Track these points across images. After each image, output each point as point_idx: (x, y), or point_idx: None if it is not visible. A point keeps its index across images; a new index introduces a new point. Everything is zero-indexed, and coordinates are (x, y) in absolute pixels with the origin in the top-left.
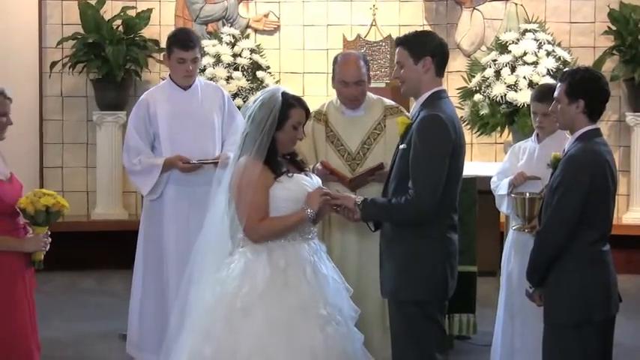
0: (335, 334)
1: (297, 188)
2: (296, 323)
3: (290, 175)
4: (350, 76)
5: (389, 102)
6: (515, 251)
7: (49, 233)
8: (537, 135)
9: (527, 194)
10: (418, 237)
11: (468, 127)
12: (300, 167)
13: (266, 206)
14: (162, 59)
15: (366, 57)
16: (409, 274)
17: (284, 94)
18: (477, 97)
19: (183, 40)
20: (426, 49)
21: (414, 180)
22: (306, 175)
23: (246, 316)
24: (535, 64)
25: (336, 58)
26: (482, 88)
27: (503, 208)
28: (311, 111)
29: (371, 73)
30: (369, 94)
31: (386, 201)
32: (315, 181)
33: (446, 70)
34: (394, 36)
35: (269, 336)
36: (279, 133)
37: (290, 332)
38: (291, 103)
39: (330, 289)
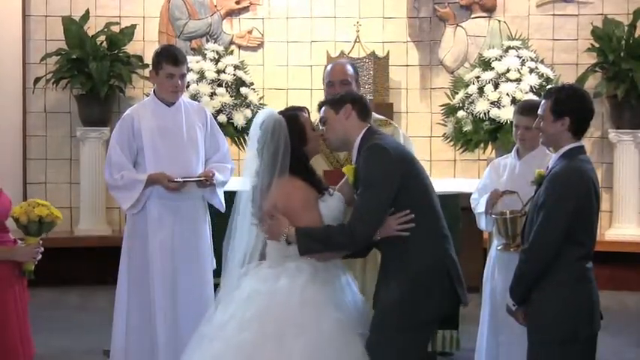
0: (358, 347)
1: (338, 205)
2: (342, 339)
3: (332, 193)
4: (335, 76)
5: (379, 116)
6: (498, 268)
7: (42, 243)
8: (517, 150)
9: (508, 213)
10: (417, 258)
11: (451, 143)
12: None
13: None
14: (147, 75)
15: (356, 66)
16: (403, 297)
17: (285, 116)
18: (461, 113)
19: (173, 56)
20: (344, 98)
21: (354, 208)
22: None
23: (297, 333)
24: (518, 80)
25: (325, 67)
26: (466, 104)
27: (483, 225)
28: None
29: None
30: None
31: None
32: (339, 196)
33: (430, 86)
34: (378, 52)
35: (320, 353)
36: (307, 147)
37: (339, 349)
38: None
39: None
